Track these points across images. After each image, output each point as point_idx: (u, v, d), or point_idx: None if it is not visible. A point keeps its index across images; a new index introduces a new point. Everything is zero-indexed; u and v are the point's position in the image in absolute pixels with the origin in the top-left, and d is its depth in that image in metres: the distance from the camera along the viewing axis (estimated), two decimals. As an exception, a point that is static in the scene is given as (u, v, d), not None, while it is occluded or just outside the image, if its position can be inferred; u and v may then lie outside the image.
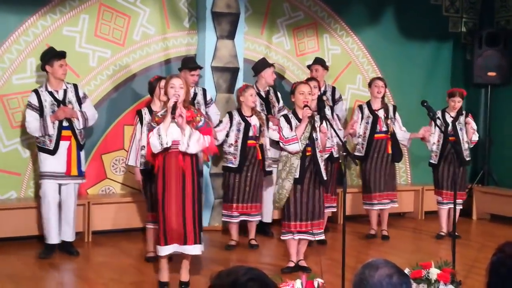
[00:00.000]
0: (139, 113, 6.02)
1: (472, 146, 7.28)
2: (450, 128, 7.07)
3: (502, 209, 8.32)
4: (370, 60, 8.76)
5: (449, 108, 7.18)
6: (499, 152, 9.05)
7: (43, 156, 6.06)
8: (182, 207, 5.01)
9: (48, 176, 6.06)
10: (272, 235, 7.11)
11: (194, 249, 5.08)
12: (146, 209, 6.12)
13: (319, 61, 7.52)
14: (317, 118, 5.57)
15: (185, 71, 6.71)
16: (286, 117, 5.56)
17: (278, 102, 7.31)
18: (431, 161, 7.25)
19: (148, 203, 6.01)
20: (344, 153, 5.23)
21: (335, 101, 7.57)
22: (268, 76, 7.09)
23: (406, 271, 4.67)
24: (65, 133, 6.05)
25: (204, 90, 6.95)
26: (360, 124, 7.08)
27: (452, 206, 7.08)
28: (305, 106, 5.43)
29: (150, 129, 5.05)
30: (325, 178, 5.58)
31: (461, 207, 7.28)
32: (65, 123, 6.04)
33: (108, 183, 7.27)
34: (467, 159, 7.19)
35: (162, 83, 5.53)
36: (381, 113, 7.04)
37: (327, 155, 5.83)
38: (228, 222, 6.66)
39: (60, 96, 6.08)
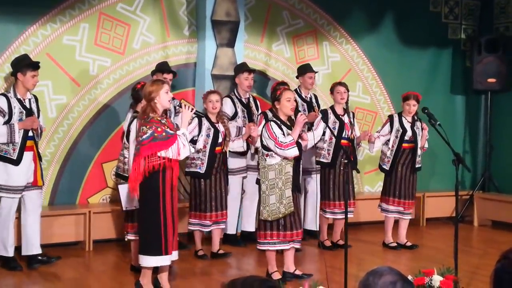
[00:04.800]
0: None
1: (422, 153, 7.11)
2: (409, 133, 6.91)
3: (503, 216, 8.31)
4: (369, 67, 8.77)
5: (404, 112, 7.00)
6: (500, 158, 9.04)
7: (6, 168, 5.77)
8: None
9: (11, 190, 5.80)
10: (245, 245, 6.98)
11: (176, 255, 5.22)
12: (127, 220, 5.77)
13: (311, 68, 7.39)
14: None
15: (158, 74, 6.64)
16: (276, 123, 5.42)
17: (258, 110, 7.21)
18: (384, 166, 7.04)
19: (130, 213, 5.70)
20: (346, 161, 5.22)
21: (319, 108, 7.48)
22: (240, 82, 7.02)
23: (409, 278, 4.66)
24: (29, 143, 5.88)
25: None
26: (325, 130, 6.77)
27: (399, 215, 7.06)
28: (298, 111, 5.42)
29: (174, 134, 4.93)
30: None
31: (411, 216, 7.18)
32: (30, 133, 5.88)
33: (108, 192, 7.26)
34: (419, 165, 7.06)
35: None
36: (346, 119, 6.87)
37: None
38: (193, 231, 6.50)
39: (27, 105, 5.94)
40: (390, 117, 7.11)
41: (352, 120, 6.90)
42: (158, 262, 5.05)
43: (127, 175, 5.56)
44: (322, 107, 7.45)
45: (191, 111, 5.13)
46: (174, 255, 5.12)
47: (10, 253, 5.90)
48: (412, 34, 8.93)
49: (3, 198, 5.85)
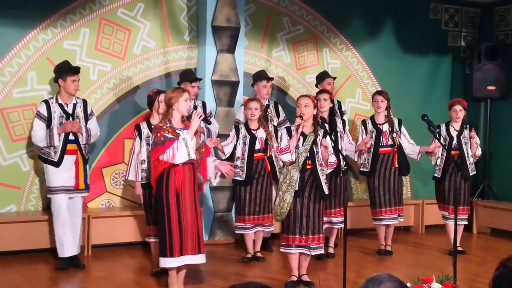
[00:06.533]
0: (137, 128, 6.03)
1: (475, 161, 7.22)
2: (454, 142, 7.01)
3: (502, 223, 8.31)
4: (369, 74, 8.78)
5: (452, 120, 7.12)
6: (499, 166, 9.05)
7: (51, 171, 6.06)
8: (196, 218, 5.17)
9: (61, 190, 6.07)
10: (271, 250, 7.06)
11: (203, 258, 5.25)
12: (146, 223, 6.02)
13: (328, 74, 7.54)
14: (321, 132, 5.53)
15: (186, 83, 6.72)
16: (288, 129, 5.59)
17: (278, 116, 7.29)
18: (435, 174, 7.18)
19: (149, 217, 5.94)
20: (346, 167, 5.22)
21: (342, 115, 7.52)
22: (258, 89, 7.08)
23: (408, 285, 4.65)
24: (71, 147, 6.10)
25: (204, 103, 6.97)
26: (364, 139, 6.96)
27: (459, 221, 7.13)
28: (299, 116, 5.44)
29: (172, 139, 5.06)
30: (326, 193, 5.54)
31: (465, 222, 7.21)
32: (71, 137, 6.08)
33: (108, 197, 7.26)
34: (472, 173, 7.13)
35: (161, 96, 5.66)
36: (385, 127, 7.00)
37: (330, 170, 5.76)
38: (242, 234, 6.69)
39: (69, 110, 6.14)
40: (438, 127, 7.11)
41: (397, 127, 6.98)
42: (166, 263, 5.13)
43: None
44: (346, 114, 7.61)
45: (200, 118, 5.23)
46: (190, 258, 5.15)
47: (67, 253, 6.07)
48: (412, 41, 8.95)
49: (53, 199, 6.11)
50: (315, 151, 5.45)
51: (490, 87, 8.86)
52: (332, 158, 5.57)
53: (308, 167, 5.44)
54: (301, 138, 5.46)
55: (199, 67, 7.56)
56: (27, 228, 6.46)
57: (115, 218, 6.94)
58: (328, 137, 5.59)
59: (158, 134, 5.08)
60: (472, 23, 9.50)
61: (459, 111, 7.03)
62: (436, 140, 6.91)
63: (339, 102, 7.62)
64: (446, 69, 9.33)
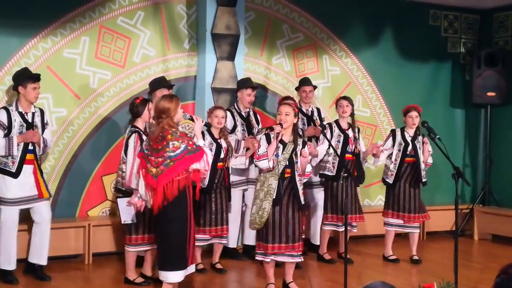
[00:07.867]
0: (139, 134, 5.77)
1: (426, 168, 7.05)
2: (410, 148, 6.90)
3: (504, 229, 8.30)
4: (369, 81, 8.79)
5: (407, 126, 6.99)
6: (500, 172, 9.04)
7: (5, 181, 5.81)
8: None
9: (11, 202, 5.81)
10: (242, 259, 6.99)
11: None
12: (132, 232, 5.82)
13: (308, 82, 7.42)
14: (300, 141, 5.51)
15: (162, 90, 6.62)
16: (267, 136, 5.53)
17: (258, 124, 7.22)
18: (387, 180, 7.04)
19: (142, 226, 5.79)
20: (345, 174, 5.22)
21: (322, 122, 7.47)
22: (242, 97, 7.03)
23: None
24: (29, 156, 5.89)
25: None
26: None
27: (407, 230, 7.05)
28: (279, 124, 5.41)
29: (201, 146, 4.98)
30: (302, 202, 5.47)
31: (418, 230, 7.10)
32: (30, 146, 5.89)
33: (108, 205, 7.25)
34: (424, 180, 6.97)
35: (151, 105, 5.59)
36: (350, 133, 6.90)
37: (305, 180, 5.73)
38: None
39: (29, 118, 5.96)
40: (392, 131, 7.13)
41: (357, 134, 6.91)
42: (182, 276, 4.98)
43: (125, 189, 5.74)
44: (324, 121, 7.45)
45: (202, 123, 5.23)
46: (192, 268, 5.09)
47: (12, 266, 5.88)
48: (411, 48, 8.97)
49: (3, 211, 5.86)
50: (294, 160, 5.42)
51: (490, 93, 8.87)
52: (309, 168, 5.58)
53: (286, 175, 5.41)
54: (281, 146, 5.41)
55: (199, 74, 7.57)
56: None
57: (115, 226, 6.92)
58: (306, 147, 5.57)
59: (190, 142, 4.88)
60: (472, 30, 9.51)
61: (415, 118, 6.90)
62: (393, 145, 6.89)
63: (318, 110, 7.56)
64: (445, 76, 9.35)
